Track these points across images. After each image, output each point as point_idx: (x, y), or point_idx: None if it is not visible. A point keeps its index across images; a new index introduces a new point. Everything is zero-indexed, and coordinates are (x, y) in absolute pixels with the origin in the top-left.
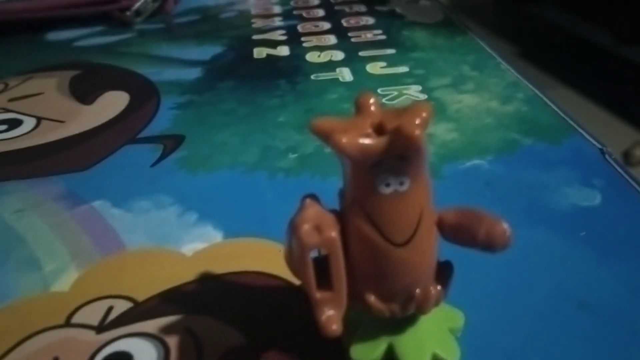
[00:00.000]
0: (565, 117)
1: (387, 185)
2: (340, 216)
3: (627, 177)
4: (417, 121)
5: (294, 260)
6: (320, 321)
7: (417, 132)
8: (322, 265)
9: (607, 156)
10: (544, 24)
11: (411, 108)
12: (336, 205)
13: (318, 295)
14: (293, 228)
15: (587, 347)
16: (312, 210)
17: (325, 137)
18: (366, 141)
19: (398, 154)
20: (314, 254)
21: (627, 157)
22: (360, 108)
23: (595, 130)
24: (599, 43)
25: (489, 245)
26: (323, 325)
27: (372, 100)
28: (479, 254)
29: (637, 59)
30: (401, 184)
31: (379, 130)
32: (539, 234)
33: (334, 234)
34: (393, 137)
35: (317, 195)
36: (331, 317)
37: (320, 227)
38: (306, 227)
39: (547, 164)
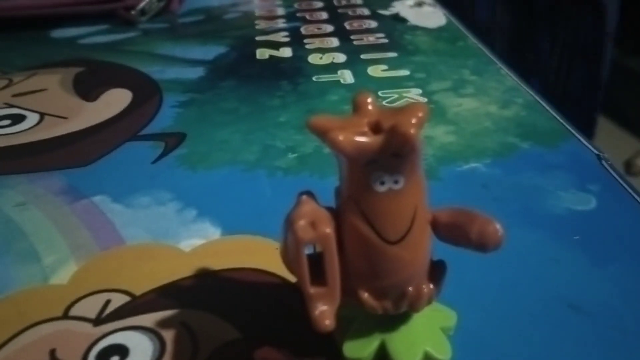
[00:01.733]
0: (564, 123)
1: (382, 183)
2: (336, 214)
3: (622, 183)
4: (413, 120)
5: (289, 255)
6: (313, 316)
7: (413, 130)
8: (317, 262)
9: (603, 162)
10: None
11: (408, 108)
12: (333, 204)
13: (312, 290)
14: (289, 224)
15: (577, 347)
16: (308, 207)
17: (322, 134)
18: (362, 139)
19: (393, 152)
20: (309, 250)
21: (628, 166)
22: (357, 107)
23: (598, 139)
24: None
25: (482, 245)
26: (316, 320)
27: (369, 100)
28: (473, 255)
29: None
30: (396, 182)
31: (375, 129)
32: (533, 236)
33: (328, 230)
34: (389, 135)
35: (313, 192)
36: (324, 312)
37: (315, 223)
38: (301, 223)
39: (543, 168)
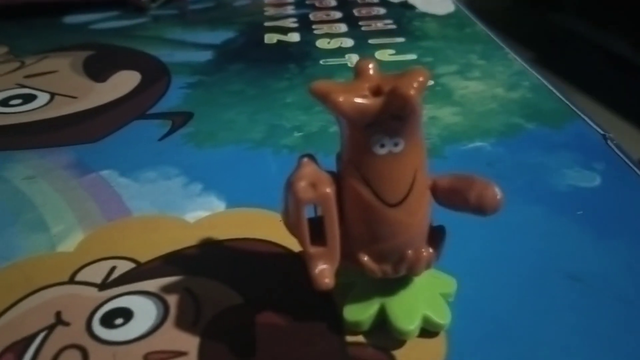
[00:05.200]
0: (570, 104)
1: (382, 145)
2: (337, 178)
3: (628, 162)
4: (414, 83)
5: (290, 216)
6: (313, 274)
7: (412, 92)
8: (318, 224)
9: (609, 142)
10: (561, 31)
11: (408, 72)
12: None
13: (312, 250)
14: (289, 185)
15: (576, 316)
16: (309, 169)
17: (323, 97)
18: (362, 101)
19: (393, 114)
20: (310, 213)
21: None
22: (359, 72)
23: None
24: (617, 51)
25: (480, 208)
26: (315, 278)
27: (371, 65)
28: (475, 226)
29: None
30: (395, 145)
31: (376, 93)
32: (536, 211)
33: (328, 189)
34: (388, 97)
35: (314, 156)
36: (323, 271)
37: (316, 184)
38: (302, 184)
39: (548, 147)
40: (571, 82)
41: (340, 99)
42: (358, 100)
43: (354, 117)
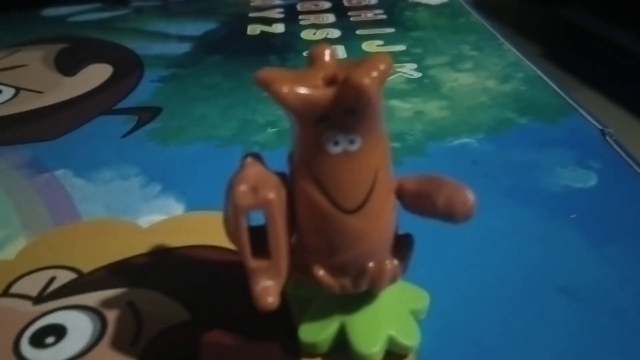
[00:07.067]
0: (566, 97)
1: (336, 143)
2: (288, 180)
3: (627, 159)
4: (372, 72)
5: (230, 224)
6: (255, 292)
7: (367, 81)
8: (264, 235)
9: (607, 137)
10: (569, 26)
11: (368, 59)
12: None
13: (253, 263)
14: (229, 189)
15: (567, 334)
16: (252, 170)
17: (266, 87)
18: (309, 92)
19: (347, 107)
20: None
21: None
22: (313, 60)
23: (623, 134)
24: (626, 47)
25: (449, 214)
26: (257, 297)
27: (326, 52)
28: (454, 231)
29: None
30: (351, 142)
31: (331, 83)
32: (524, 214)
33: (271, 194)
34: (341, 88)
35: (261, 155)
36: (267, 289)
37: (258, 188)
38: (242, 188)
39: (541, 144)
40: (578, 77)
41: (285, 89)
42: (305, 91)
43: (300, 110)
